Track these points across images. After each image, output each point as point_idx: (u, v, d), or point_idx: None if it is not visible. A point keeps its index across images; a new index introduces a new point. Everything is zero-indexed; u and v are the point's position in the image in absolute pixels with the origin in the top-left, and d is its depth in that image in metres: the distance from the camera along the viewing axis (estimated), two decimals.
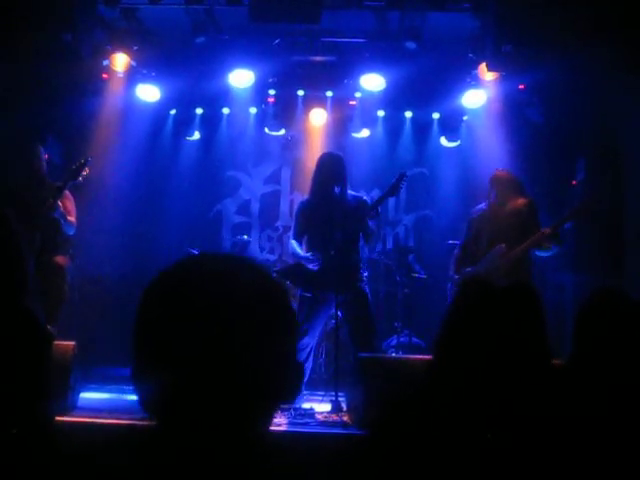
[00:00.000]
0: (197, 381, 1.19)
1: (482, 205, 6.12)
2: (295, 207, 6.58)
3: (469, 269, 5.86)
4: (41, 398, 2.51)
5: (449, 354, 2.02)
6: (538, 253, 5.88)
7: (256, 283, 1.28)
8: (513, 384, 1.93)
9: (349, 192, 6.07)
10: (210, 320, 1.20)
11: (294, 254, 6.16)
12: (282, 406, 4.97)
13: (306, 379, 5.99)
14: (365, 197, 6.42)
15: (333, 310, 5.80)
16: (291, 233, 6.37)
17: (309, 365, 6.01)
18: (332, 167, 5.94)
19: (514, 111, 7.90)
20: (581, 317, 2.46)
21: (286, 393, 1.28)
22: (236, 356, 1.20)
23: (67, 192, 6.20)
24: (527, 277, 5.73)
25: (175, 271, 1.29)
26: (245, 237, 8.74)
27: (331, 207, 5.78)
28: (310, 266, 5.87)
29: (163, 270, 1.29)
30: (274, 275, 7.32)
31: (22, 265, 2.57)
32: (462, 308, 2.08)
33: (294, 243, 6.16)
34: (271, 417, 1.31)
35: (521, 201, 5.88)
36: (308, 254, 5.98)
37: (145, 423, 1.25)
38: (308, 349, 5.89)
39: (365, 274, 6.12)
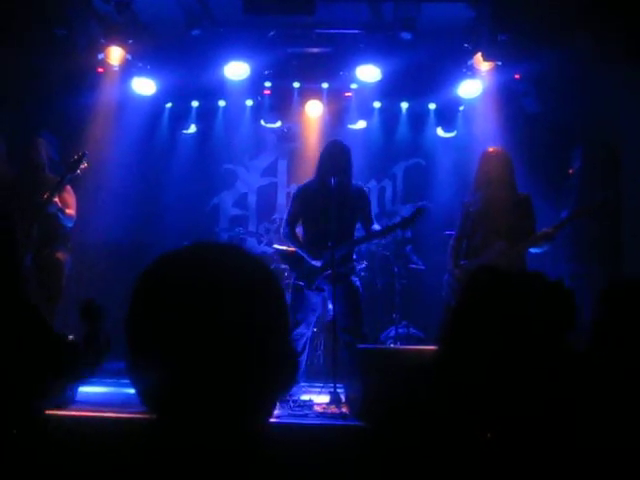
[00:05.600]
0: (190, 373, 1.18)
1: (477, 196, 6.01)
2: (292, 192, 6.54)
3: (469, 262, 5.81)
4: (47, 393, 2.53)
5: (460, 344, 1.99)
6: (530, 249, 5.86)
7: (248, 271, 1.27)
8: (529, 373, 1.91)
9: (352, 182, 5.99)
10: (201, 310, 1.19)
11: (292, 243, 6.05)
12: (280, 397, 4.96)
13: (302, 369, 5.99)
14: (364, 187, 6.40)
15: (325, 300, 5.78)
16: (284, 216, 6.27)
17: (305, 356, 6.00)
18: (333, 156, 5.85)
19: (510, 101, 7.87)
20: (604, 308, 2.43)
21: (282, 382, 1.27)
22: (228, 346, 1.19)
23: (68, 186, 6.20)
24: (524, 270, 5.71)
25: (166, 261, 1.27)
26: (242, 230, 8.75)
27: (328, 198, 5.70)
28: (312, 262, 5.84)
29: (154, 261, 1.27)
30: (272, 260, 7.38)
31: (19, 262, 2.58)
32: (475, 297, 2.05)
33: (287, 229, 6.07)
34: (270, 409, 1.30)
35: (518, 196, 5.84)
36: (306, 251, 5.92)
37: (144, 416, 1.25)
38: (304, 339, 5.86)
39: (359, 266, 6.09)
